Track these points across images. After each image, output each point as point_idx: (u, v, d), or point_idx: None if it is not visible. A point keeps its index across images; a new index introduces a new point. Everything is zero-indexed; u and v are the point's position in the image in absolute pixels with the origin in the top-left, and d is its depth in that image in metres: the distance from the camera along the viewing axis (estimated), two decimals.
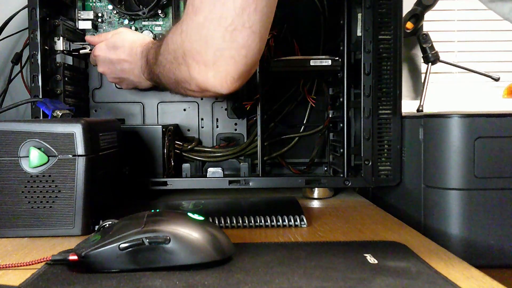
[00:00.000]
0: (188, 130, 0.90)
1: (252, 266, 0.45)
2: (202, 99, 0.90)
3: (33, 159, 0.56)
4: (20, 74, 0.92)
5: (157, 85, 0.77)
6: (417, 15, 1.02)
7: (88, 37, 0.83)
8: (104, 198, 0.65)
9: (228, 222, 0.61)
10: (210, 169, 0.81)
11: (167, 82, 0.67)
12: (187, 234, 0.45)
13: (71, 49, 0.83)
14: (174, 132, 0.84)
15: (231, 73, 0.56)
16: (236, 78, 0.57)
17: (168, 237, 0.44)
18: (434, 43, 1.05)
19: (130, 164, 0.76)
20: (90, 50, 0.83)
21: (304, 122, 0.90)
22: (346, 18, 0.78)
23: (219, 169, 0.81)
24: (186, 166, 0.80)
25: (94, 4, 0.87)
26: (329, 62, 0.78)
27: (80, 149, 0.57)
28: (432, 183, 0.66)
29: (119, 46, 0.78)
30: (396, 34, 0.75)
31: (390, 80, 0.75)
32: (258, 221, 0.61)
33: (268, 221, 0.61)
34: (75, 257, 0.44)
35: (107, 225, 0.50)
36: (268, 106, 0.87)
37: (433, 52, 1.04)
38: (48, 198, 0.57)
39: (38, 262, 0.45)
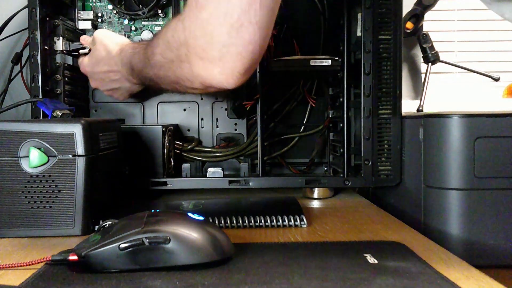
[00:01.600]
0: (188, 130, 0.90)
1: (252, 266, 0.45)
2: (202, 98, 0.89)
3: (33, 159, 0.56)
4: (20, 74, 0.92)
5: (150, 87, 0.75)
6: (417, 15, 1.02)
7: (82, 38, 0.82)
8: (104, 198, 0.65)
9: (228, 222, 0.61)
10: (210, 169, 0.81)
11: (164, 82, 0.66)
12: (187, 234, 0.45)
13: (71, 49, 0.83)
14: (174, 132, 0.84)
15: (237, 68, 0.55)
16: (242, 73, 0.56)
17: (168, 237, 0.44)
18: (434, 43, 1.05)
19: (130, 164, 0.76)
20: (90, 50, 0.83)
21: (304, 122, 0.90)
22: (346, 18, 0.78)
23: (219, 169, 0.81)
24: (186, 166, 0.80)
25: (94, 4, 0.87)
26: (329, 62, 0.78)
27: (80, 149, 0.57)
28: (432, 183, 0.66)
29: (99, 59, 0.77)
30: (396, 34, 0.75)
31: (390, 80, 0.75)
32: (258, 221, 0.61)
33: (268, 221, 0.61)
34: (75, 257, 0.44)
35: (107, 225, 0.50)
36: (268, 106, 0.87)
37: (433, 52, 1.04)
38: (48, 198, 0.57)
39: (38, 262, 0.45)
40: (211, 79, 0.57)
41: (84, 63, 0.80)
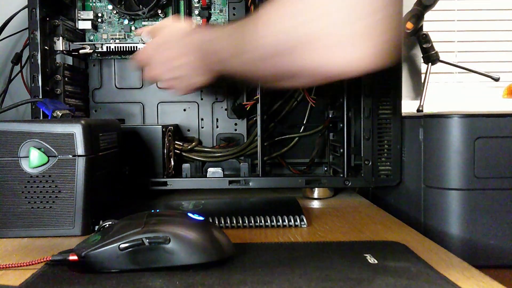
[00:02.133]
0: (188, 130, 0.90)
1: (252, 266, 0.45)
2: (202, 99, 0.89)
3: (33, 159, 0.56)
4: (20, 74, 0.93)
5: (230, 78, 0.63)
6: (417, 15, 1.02)
7: (138, 31, 0.78)
8: (104, 198, 0.65)
9: (228, 222, 0.61)
10: (210, 169, 0.81)
11: (262, 77, 0.58)
12: (187, 234, 0.45)
13: (71, 49, 0.83)
14: (174, 132, 0.84)
15: (375, 44, 0.44)
16: (381, 49, 0.45)
17: (168, 237, 0.44)
18: (434, 43, 1.05)
19: (130, 164, 0.76)
20: (90, 49, 0.83)
21: (304, 122, 0.90)
22: None
23: (219, 169, 0.81)
24: (186, 166, 0.80)
25: (94, 4, 0.87)
26: None
27: (80, 149, 0.57)
28: (432, 183, 0.66)
29: (163, 43, 0.69)
30: None
31: (390, 80, 0.75)
32: (258, 221, 0.61)
33: (268, 221, 0.61)
34: (75, 257, 0.44)
35: (107, 225, 0.50)
36: (268, 106, 0.87)
37: (433, 52, 1.04)
38: (48, 198, 0.57)
39: (38, 262, 0.45)
40: (343, 65, 0.46)
41: (148, 48, 0.71)
